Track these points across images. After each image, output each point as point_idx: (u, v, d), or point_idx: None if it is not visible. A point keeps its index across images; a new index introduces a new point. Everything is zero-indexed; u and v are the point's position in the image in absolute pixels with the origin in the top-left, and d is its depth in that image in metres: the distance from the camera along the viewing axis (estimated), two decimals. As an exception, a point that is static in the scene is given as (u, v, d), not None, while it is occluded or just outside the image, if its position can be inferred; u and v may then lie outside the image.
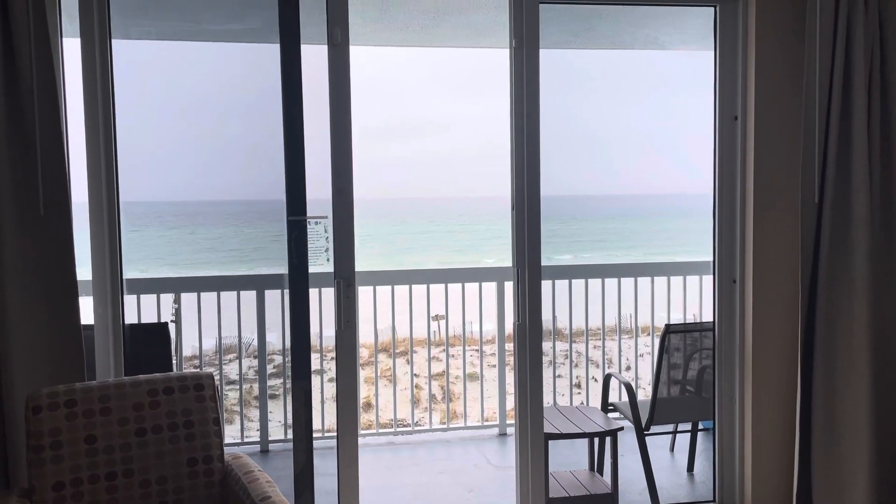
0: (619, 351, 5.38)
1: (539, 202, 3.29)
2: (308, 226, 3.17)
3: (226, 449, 2.77)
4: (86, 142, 2.94)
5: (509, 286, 4.21)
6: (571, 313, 5.01)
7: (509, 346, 5.15)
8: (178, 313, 4.07)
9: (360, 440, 4.96)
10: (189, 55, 3.39)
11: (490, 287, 5.05)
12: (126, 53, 3.09)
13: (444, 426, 5.39)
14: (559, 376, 5.25)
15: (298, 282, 3.19)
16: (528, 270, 3.29)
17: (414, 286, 5.16)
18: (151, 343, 3.27)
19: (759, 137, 3.37)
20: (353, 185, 3.15)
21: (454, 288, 5.14)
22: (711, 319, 3.61)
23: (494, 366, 5.32)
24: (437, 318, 6.96)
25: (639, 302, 4.95)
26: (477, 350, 5.95)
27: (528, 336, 3.31)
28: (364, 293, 4.87)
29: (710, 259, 3.61)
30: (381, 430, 5.19)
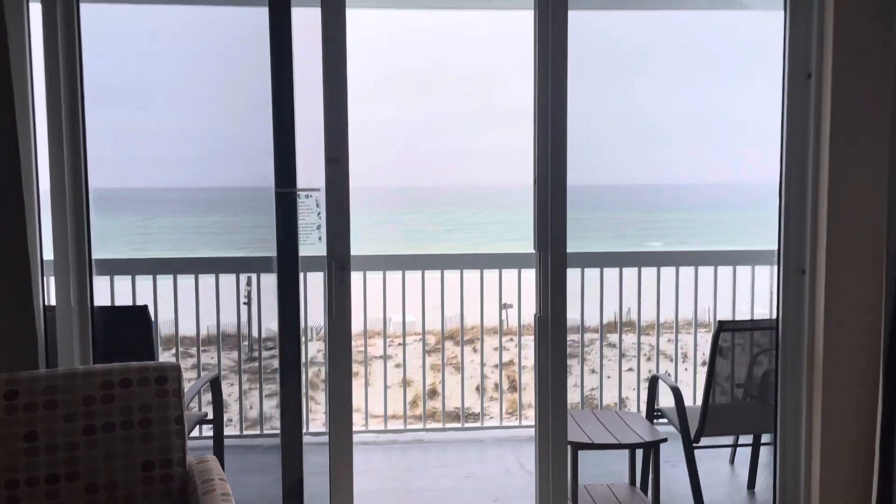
0: (676, 348, 4.82)
1: (565, 180, 2.83)
2: (298, 199, 2.80)
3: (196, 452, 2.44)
4: (47, 117, 2.65)
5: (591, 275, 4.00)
6: (621, 305, 4.50)
7: (573, 338, 4.72)
8: (250, 296, 3.81)
9: (388, 436, 4.62)
10: (169, 20, 3.06)
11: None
12: (97, 18, 2.78)
13: (478, 425, 4.99)
14: (608, 377, 4.76)
15: (287, 262, 2.82)
16: (552, 255, 2.83)
17: (485, 271, 4.83)
18: (129, 328, 2.97)
19: (837, 96, 2.83)
20: (348, 155, 2.75)
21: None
22: (771, 315, 3.07)
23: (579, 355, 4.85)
24: (506, 306, 6.72)
25: (680, 294, 4.43)
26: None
27: (550, 331, 2.86)
28: (431, 277, 4.59)
29: (769, 248, 3.07)
30: (409, 427, 4.80)
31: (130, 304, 3.46)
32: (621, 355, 4.76)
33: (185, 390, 3.19)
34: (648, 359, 5.18)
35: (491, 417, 5.79)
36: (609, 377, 4.79)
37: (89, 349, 2.72)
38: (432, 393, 7.66)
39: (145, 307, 3.04)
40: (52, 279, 2.69)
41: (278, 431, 4.32)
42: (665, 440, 3.15)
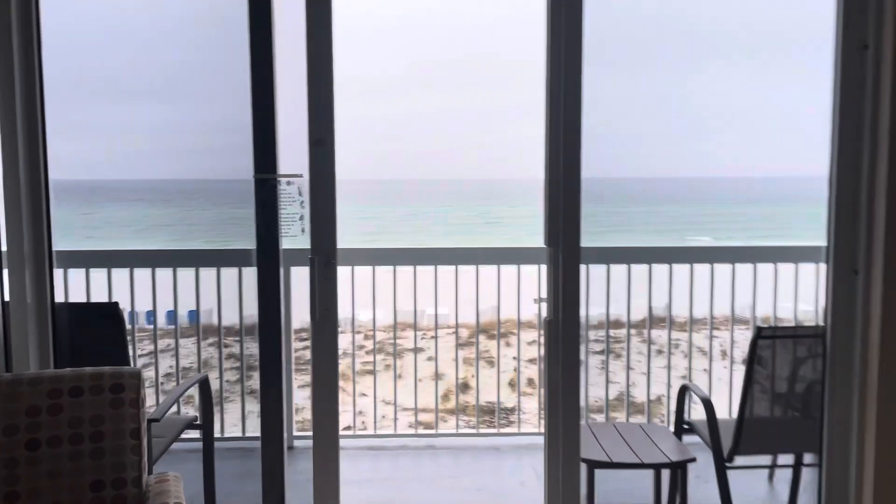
0: (710, 348, 4.43)
1: (578, 170, 2.49)
2: (278, 186, 2.51)
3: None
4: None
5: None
6: (663, 301, 4.14)
7: (615, 333, 4.37)
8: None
9: (399, 440, 4.33)
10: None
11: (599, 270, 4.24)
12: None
13: (494, 431, 4.68)
14: (643, 373, 4.41)
15: (267, 256, 2.54)
16: (563, 251, 2.50)
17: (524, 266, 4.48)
18: (99, 327, 2.71)
19: (899, 70, 2.42)
20: (334, 136, 2.45)
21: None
22: (817, 319, 2.70)
23: (599, 353, 4.53)
24: (537, 301, 6.48)
25: (722, 292, 4.06)
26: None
27: (561, 337, 2.53)
28: (464, 271, 4.34)
29: (816, 244, 2.70)
30: (420, 433, 4.50)
31: (101, 300, 3.22)
32: (649, 354, 4.41)
33: (175, 390, 2.95)
34: (686, 356, 4.82)
35: (524, 413, 5.52)
36: (644, 374, 4.44)
37: (49, 351, 2.47)
38: (464, 387, 7.41)
39: (116, 304, 2.79)
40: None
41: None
42: (693, 460, 2.80)
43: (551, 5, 2.46)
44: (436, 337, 4.98)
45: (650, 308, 4.26)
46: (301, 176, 2.49)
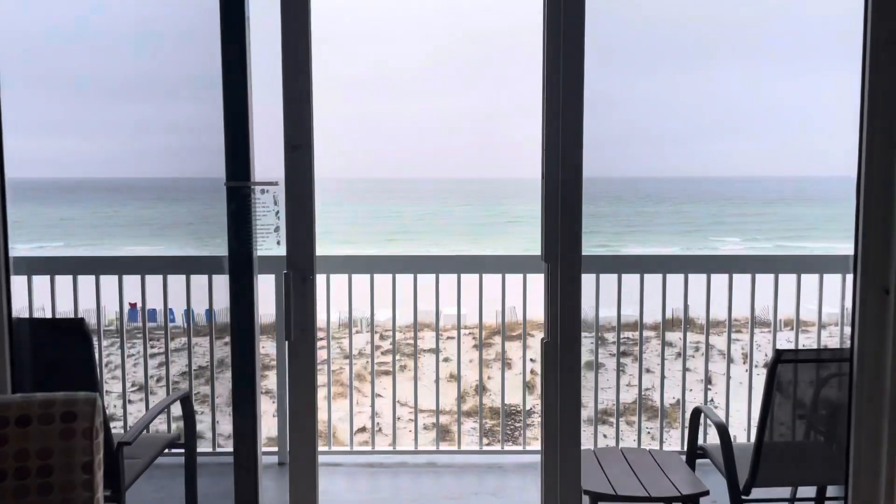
0: (728, 352, 4.17)
1: (580, 170, 2.27)
2: (252, 195, 2.32)
3: None
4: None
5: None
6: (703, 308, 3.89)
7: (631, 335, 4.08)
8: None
9: (392, 458, 4.13)
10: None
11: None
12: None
13: (498, 448, 4.47)
14: (651, 388, 4.17)
15: (240, 271, 2.35)
16: (561, 267, 2.28)
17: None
18: (62, 346, 2.53)
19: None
20: (313, 140, 2.25)
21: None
22: (843, 339, 2.46)
23: (615, 355, 4.31)
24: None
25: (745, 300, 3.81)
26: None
27: (560, 362, 2.31)
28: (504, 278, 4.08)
29: (844, 249, 2.46)
30: (419, 449, 4.29)
31: (63, 315, 3.04)
32: (663, 358, 4.17)
33: (152, 409, 2.76)
34: (711, 360, 4.58)
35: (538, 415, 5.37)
36: (666, 377, 4.20)
37: (5, 374, 2.30)
38: (481, 389, 7.23)
39: (82, 321, 2.61)
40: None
41: (274, 449, 3.95)
42: (706, 493, 2.57)
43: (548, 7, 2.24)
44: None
45: (663, 310, 4.02)
46: (277, 184, 2.30)
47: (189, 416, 3.06)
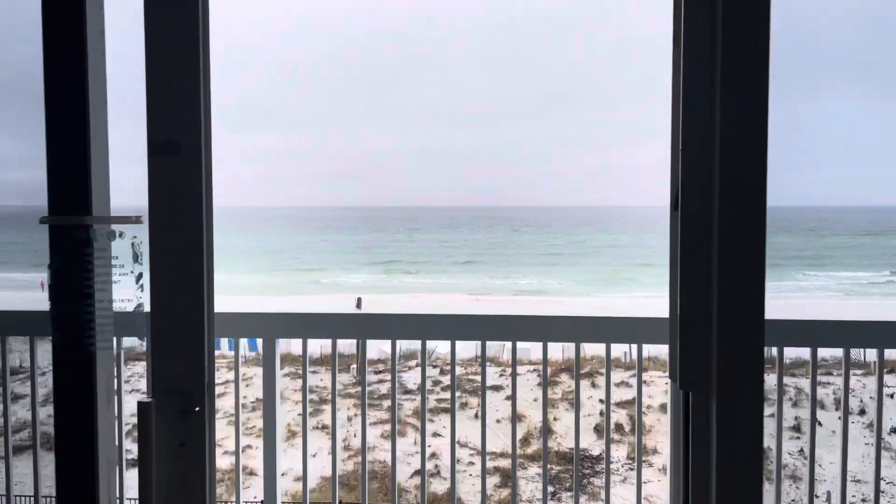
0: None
1: (764, 190, 1.06)
2: (95, 243, 1.20)
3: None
4: None
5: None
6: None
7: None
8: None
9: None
10: None
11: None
12: None
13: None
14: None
15: (66, 372, 1.23)
16: (720, 393, 1.07)
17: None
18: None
19: None
20: (200, 138, 1.12)
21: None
22: None
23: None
24: None
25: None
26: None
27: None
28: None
29: None
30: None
31: None
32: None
33: None
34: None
35: (612, 462, 4.32)
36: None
37: None
38: (546, 430, 6.29)
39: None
40: None
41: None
42: None
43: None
44: (514, 373, 3.92)
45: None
46: (140, 221, 1.17)
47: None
